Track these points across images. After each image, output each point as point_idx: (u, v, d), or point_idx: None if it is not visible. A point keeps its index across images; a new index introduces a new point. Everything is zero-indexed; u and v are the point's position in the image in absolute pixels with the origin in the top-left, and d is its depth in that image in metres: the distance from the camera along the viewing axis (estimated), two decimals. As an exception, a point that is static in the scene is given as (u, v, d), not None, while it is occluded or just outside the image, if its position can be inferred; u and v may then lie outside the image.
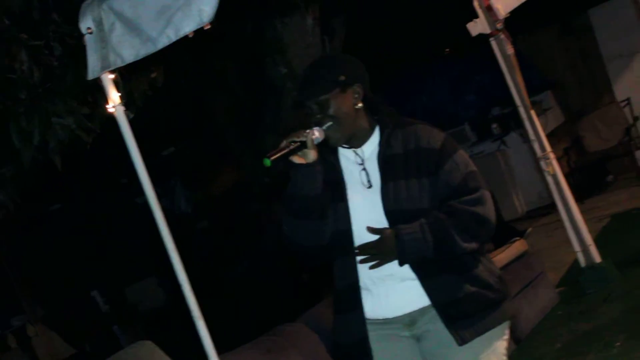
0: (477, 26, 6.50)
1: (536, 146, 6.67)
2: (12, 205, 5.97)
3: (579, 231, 6.69)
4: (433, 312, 3.08)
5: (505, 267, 6.56)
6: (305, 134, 2.98)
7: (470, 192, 3.07)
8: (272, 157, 2.91)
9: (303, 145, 2.97)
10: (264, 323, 5.78)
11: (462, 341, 3.03)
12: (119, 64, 3.95)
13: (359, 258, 3.09)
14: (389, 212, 3.05)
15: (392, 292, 3.12)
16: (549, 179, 6.68)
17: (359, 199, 3.13)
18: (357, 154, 3.17)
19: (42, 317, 11.20)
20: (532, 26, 11.06)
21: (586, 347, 5.56)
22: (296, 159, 3.00)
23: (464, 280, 3.08)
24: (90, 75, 4.09)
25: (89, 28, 3.95)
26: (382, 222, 3.06)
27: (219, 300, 9.66)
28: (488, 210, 3.11)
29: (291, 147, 2.96)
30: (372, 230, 3.03)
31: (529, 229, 9.82)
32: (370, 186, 3.12)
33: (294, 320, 5.54)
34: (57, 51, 5.47)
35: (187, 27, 3.64)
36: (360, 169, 3.15)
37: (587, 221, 7.19)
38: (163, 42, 3.74)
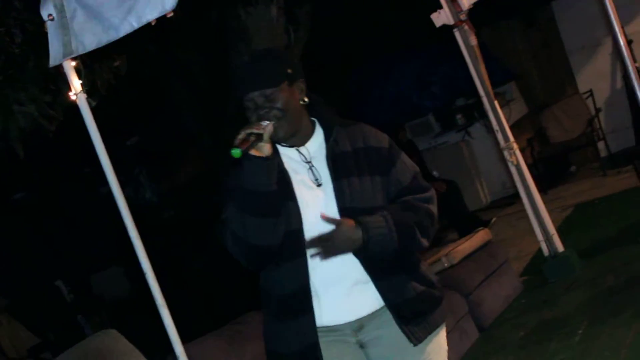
0: (441, 17, 6.52)
1: (499, 136, 6.71)
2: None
3: (542, 221, 6.75)
4: (383, 316, 3.01)
5: (469, 256, 6.62)
6: (262, 127, 2.82)
7: (422, 190, 3.06)
8: (243, 148, 2.75)
9: (259, 138, 2.81)
10: (229, 312, 5.78)
11: (417, 340, 2.99)
12: (81, 51, 3.93)
13: (311, 257, 2.92)
14: (343, 210, 2.94)
15: (342, 296, 2.99)
16: (513, 169, 6.73)
17: (308, 197, 2.98)
18: (301, 152, 3.05)
19: (5, 307, 11.10)
20: (495, 18, 11.10)
21: (549, 334, 5.62)
22: (253, 153, 2.81)
23: (413, 279, 3.04)
24: (52, 63, 4.06)
25: (50, 15, 3.92)
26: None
27: (183, 289, 9.63)
28: (436, 210, 3.09)
29: (252, 138, 2.79)
30: (328, 219, 2.88)
31: (493, 219, 9.91)
32: (319, 184, 3.00)
33: (259, 309, 5.54)
34: (18, 38, 5.40)
35: (150, 15, 3.62)
36: (308, 167, 3.02)
37: (551, 211, 7.27)
38: (125, 29, 3.72)
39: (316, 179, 3.01)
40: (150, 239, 4.90)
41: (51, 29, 3.96)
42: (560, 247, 6.76)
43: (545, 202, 6.94)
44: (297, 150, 3.06)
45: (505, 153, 6.69)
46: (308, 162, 3.04)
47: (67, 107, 5.33)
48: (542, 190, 8.09)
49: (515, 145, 6.69)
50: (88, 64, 5.13)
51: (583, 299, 6.04)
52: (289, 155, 3.06)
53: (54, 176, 12.17)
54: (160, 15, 3.61)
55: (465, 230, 8.10)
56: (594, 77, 11.32)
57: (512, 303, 6.66)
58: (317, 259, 2.90)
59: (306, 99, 3.03)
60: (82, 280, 12.64)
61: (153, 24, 3.68)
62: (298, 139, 3.05)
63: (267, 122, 2.86)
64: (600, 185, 9.71)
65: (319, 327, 2.99)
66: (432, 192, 3.09)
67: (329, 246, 2.87)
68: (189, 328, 4.88)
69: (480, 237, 6.90)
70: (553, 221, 6.92)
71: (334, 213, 2.94)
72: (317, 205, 2.97)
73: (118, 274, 12.57)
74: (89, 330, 10.95)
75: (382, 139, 3.09)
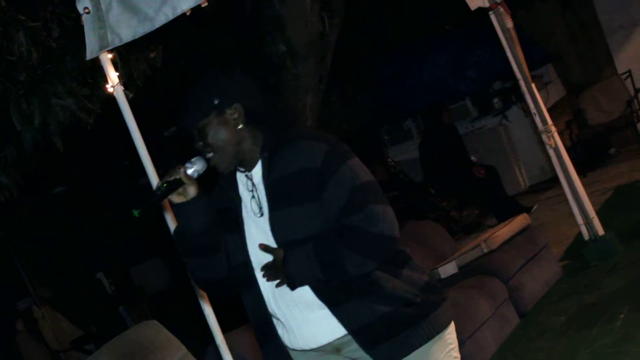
0: (476, 0, 6.47)
1: (537, 120, 6.66)
2: (15, 188, 5.97)
3: (581, 204, 6.69)
4: (353, 342, 2.84)
5: (508, 242, 6.58)
6: (177, 171, 2.80)
7: (358, 209, 2.75)
8: (141, 209, 2.77)
9: (178, 182, 2.79)
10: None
11: None
12: (117, 43, 3.95)
13: (263, 287, 2.89)
14: (280, 244, 2.80)
15: (303, 323, 2.87)
16: (551, 153, 6.68)
17: (253, 228, 2.89)
18: (248, 178, 2.92)
19: (48, 300, 11.24)
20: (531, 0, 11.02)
21: (591, 319, 5.57)
22: (175, 198, 2.82)
23: (375, 301, 2.79)
24: (89, 56, 4.09)
25: (86, 8, 3.95)
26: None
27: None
28: (382, 225, 2.76)
29: (164, 189, 2.79)
30: (264, 248, 2.82)
31: (535, 206, 9.81)
32: (262, 215, 2.87)
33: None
34: (56, 32, 5.45)
35: (185, 5, 3.64)
36: (250, 196, 2.90)
37: (590, 194, 7.19)
38: (161, 20, 3.74)
39: (259, 208, 2.88)
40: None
41: (87, 22, 3.99)
42: (600, 231, 6.69)
43: (584, 185, 6.88)
44: (246, 175, 2.93)
45: (544, 136, 6.63)
46: (251, 191, 2.91)
47: (105, 100, 5.37)
48: (581, 173, 8.01)
49: (553, 129, 6.63)
50: (124, 56, 5.17)
51: (624, 283, 5.98)
52: (242, 181, 2.95)
53: (93, 169, 12.28)
54: (195, 5, 3.63)
55: (505, 216, 8.05)
56: (632, 58, 11.19)
57: (552, 288, 6.60)
58: (269, 288, 2.87)
59: (241, 125, 2.85)
60: (123, 272, 12.76)
61: (188, 14, 3.69)
62: (247, 164, 2.91)
63: (197, 159, 2.85)
64: (641, 168, 9.61)
65: (295, 350, 2.94)
66: (368, 209, 2.75)
67: (271, 274, 2.82)
68: (228, 318, 4.91)
69: (519, 221, 6.85)
70: (593, 204, 6.85)
71: (274, 245, 2.83)
72: (259, 236, 2.87)
73: (158, 265, 12.67)
74: (130, 322, 11.05)
75: (315, 157, 2.79)
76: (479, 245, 6.49)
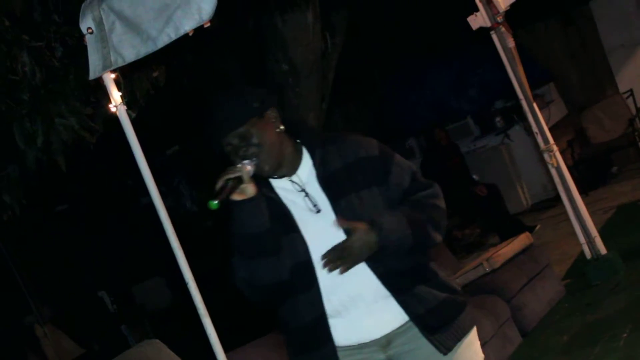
0: (478, 19, 6.51)
1: (539, 139, 6.67)
2: (17, 207, 5.97)
3: (584, 223, 6.69)
4: (409, 331, 2.95)
5: (510, 261, 6.57)
6: (238, 169, 2.80)
7: (425, 186, 3.00)
8: (219, 199, 2.75)
9: (239, 181, 2.79)
10: (271, 320, 5.79)
11: (446, 349, 2.94)
12: (120, 63, 3.97)
13: (323, 286, 2.91)
14: (347, 231, 2.85)
15: (366, 315, 2.94)
16: (553, 172, 6.69)
17: (311, 227, 2.93)
18: (293, 181, 2.98)
19: (50, 318, 11.22)
20: (533, 19, 11.05)
21: (593, 338, 5.56)
22: (237, 197, 2.81)
23: (433, 288, 2.97)
24: (92, 75, 4.10)
25: (89, 28, 3.96)
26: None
27: (225, 298, 9.66)
28: (443, 203, 3.02)
29: (230, 184, 2.78)
30: (343, 224, 2.85)
31: (538, 226, 9.81)
32: (318, 211, 2.93)
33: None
34: (59, 52, 5.47)
35: (187, 26, 3.65)
36: (303, 195, 2.96)
37: (593, 213, 7.20)
38: (163, 40, 3.76)
39: (314, 205, 2.94)
40: (191, 248, 4.93)
41: (90, 42, 4.00)
42: (602, 250, 6.69)
43: (586, 204, 6.89)
44: (289, 179, 2.99)
45: (545, 155, 6.65)
46: (302, 190, 2.97)
47: (108, 119, 5.38)
48: (583, 192, 8.02)
49: (555, 147, 6.65)
50: (127, 75, 5.18)
51: (627, 302, 5.97)
52: (282, 187, 3.00)
53: (95, 188, 12.29)
54: (198, 25, 3.64)
55: (507, 235, 8.05)
56: (634, 77, 11.23)
57: (554, 307, 6.60)
58: (330, 283, 2.90)
59: (282, 127, 2.95)
60: (125, 291, 12.74)
61: (191, 34, 3.71)
62: (287, 169, 2.98)
63: (246, 161, 2.85)
64: (643, 186, 9.62)
65: (345, 347, 2.97)
66: (435, 188, 3.03)
67: (346, 256, 2.83)
68: (231, 337, 4.90)
69: (521, 240, 6.85)
70: (595, 223, 6.86)
71: (339, 236, 2.86)
72: (320, 233, 2.91)
73: (160, 284, 12.66)
74: (132, 341, 11.02)
75: (371, 147, 2.99)
76: (481, 264, 6.49)
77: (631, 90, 11.07)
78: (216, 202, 2.74)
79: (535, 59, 11.38)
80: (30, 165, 5.55)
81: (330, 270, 2.85)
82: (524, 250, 6.78)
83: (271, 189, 2.98)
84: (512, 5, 6.45)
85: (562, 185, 6.68)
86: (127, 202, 12.59)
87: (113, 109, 4.33)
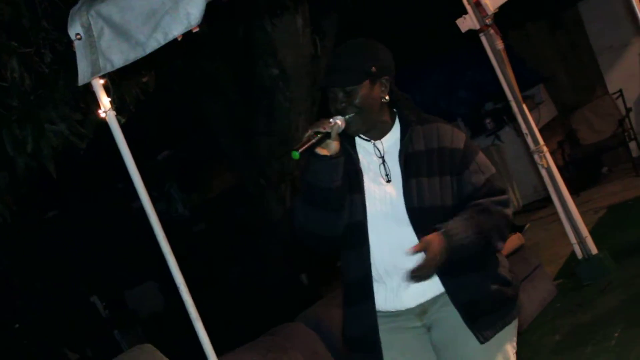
0: (467, 22, 6.51)
1: (529, 140, 6.69)
2: (8, 213, 5.96)
3: (574, 223, 6.71)
4: (444, 299, 3.06)
5: (501, 262, 6.58)
6: (330, 125, 2.92)
7: (497, 192, 3.07)
8: (301, 150, 2.84)
9: (327, 136, 2.90)
10: (263, 324, 5.79)
11: (484, 339, 3.03)
12: (109, 69, 3.96)
13: (373, 246, 3.05)
14: (410, 209, 3.01)
15: (404, 285, 3.07)
16: (543, 173, 6.70)
17: (376, 191, 3.07)
18: (376, 147, 3.12)
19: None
20: (522, 21, 11.07)
21: (585, 338, 5.57)
22: (320, 151, 2.92)
23: (485, 278, 3.07)
24: (81, 81, 4.09)
25: (77, 34, 3.96)
26: (399, 216, 3.03)
27: (217, 302, 9.66)
28: (511, 211, 3.11)
29: (317, 137, 2.88)
30: (419, 247, 2.90)
31: (527, 225, 9.84)
32: (389, 180, 3.08)
33: (293, 320, 5.55)
34: (48, 58, 5.47)
35: (176, 31, 3.65)
36: (380, 162, 3.10)
37: (583, 213, 7.21)
38: (152, 46, 3.75)
39: (387, 175, 3.08)
40: (182, 252, 4.93)
41: (79, 48, 3.99)
42: (593, 250, 6.71)
43: (577, 205, 6.90)
44: (374, 143, 3.12)
45: (536, 156, 6.66)
46: (381, 157, 3.11)
47: (98, 124, 5.38)
48: (574, 192, 8.03)
49: (545, 149, 6.66)
50: (116, 81, 5.18)
51: (618, 302, 5.98)
52: (365, 147, 3.14)
53: (87, 193, 12.27)
54: (186, 30, 3.64)
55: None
56: (623, 77, 11.24)
57: (546, 307, 6.61)
58: (380, 252, 3.05)
59: (387, 97, 3.07)
60: (117, 296, 12.73)
61: (179, 39, 3.71)
62: (375, 134, 3.12)
63: (339, 118, 2.96)
64: (633, 186, 9.61)
65: (382, 312, 3.11)
66: (508, 195, 3.11)
67: (426, 272, 2.92)
68: (223, 340, 4.90)
69: (512, 241, 6.85)
70: (586, 223, 6.87)
71: (401, 210, 3.01)
72: (382, 200, 3.06)
73: (152, 288, 12.65)
74: (124, 345, 11.01)
75: (457, 140, 3.09)
76: (472, 265, 6.48)
77: (620, 90, 11.09)
78: (299, 152, 2.84)
79: (525, 61, 11.39)
80: (20, 171, 5.54)
81: (412, 281, 3.01)
82: (515, 251, 6.78)
83: (354, 145, 3.13)
84: (500, 7, 6.46)
85: (553, 185, 6.69)
86: (118, 207, 12.58)
87: (102, 115, 4.32)
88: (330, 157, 2.93)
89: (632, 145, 10.93)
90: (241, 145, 8.84)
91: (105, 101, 4.31)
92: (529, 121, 6.68)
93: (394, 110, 3.15)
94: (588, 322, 5.88)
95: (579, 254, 6.77)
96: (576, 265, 6.84)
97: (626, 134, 10.80)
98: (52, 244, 12.38)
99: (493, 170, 3.12)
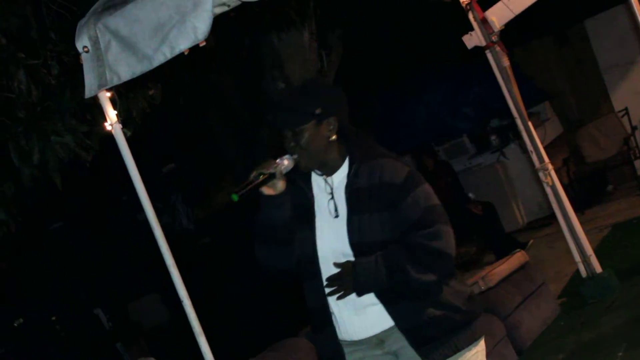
0: (473, 39, 6.53)
1: (534, 157, 6.69)
2: (13, 224, 5.97)
3: (579, 241, 6.70)
4: (398, 332, 3.16)
5: (506, 279, 6.57)
6: (274, 166, 3.09)
7: (427, 225, 3.10)
8: (240, 193, 3.00)
9: (272, 176, 3.08)
10: (266, 338, 5.79)
11: None
12: (116, 82, 3.97)
13: (325, 285, 3.18)
14: (353, 244, 3.13)
15: (355, 316, 3.20)
16: (548, 190, 6.70)
17: (325, 227, 3.20)
18: (327, 182, 3.23)
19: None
20: (528, 38, 11.08)
21: (589, 357, 5.57)
22: (265, 190, 3.11)
23: (427, 305, 3.13)
24: (87, 94, 4.10)
25: (85, 47, 3.97)
26: (345, 251, 3.15)
27: (221, 316, 9.65)
28: (445, 243, 3.12)
29: (260, 179, 3.05)
30: (336, 265, 3.12)
31: (531, 241, 9.82)
32: (337, 216, 3.18)
33: (296, 335, 5.55)
34: (55, 70, 5.48)
35: (182, 45, 3.65)
36: (329, 198, 3.21)
37: (588, 231, 7.20)
38: (159, 59, 3.76)
39: (335, 210, 3.19)
40: (187, 265, 4.93)
41: (86, 60, 4.01)
42: (598, 268, 6.69)
43: (582, 223, 6.89)
44: (325, 179, 3.24)
45: (540, 174, 6.66)
46: (330, 193, 3.22)
47: (104, 137, 5.39)
48: (578, 210, 8.02)
49: (550, 166, 6.66)
50: (123, 93, 5.19)
51: (622, 321, 5.97)
52: (318, 183, 3.27)
53: (91, 205, 12.28)
54: (193, 44, 3.65)
55: (502, 253, 8.04)
56: (629, 95, 11.24)
57: (550, 325, 6.60)
58: (330, 295, 3.18)
59: (334, 137, 3.17)
60: (121, 308, 12.71)
61: (186, 53, 3.72)
62: (327, 169, 3.23)
63: (286, 157, 3.12)
64: (638, 205, 9.59)
65: (342, 341, 3.24)
66: (437, 227, 3.11)
67: (338, 286, 3.13)
68: (227, 355, 4.90)
69: (516, 259, 6.85)
70: (590, 242, 6.86)
71: (344, 244, 3.14)
72: (330, 235, 3.19)
73: (156, 301, 12.63)
74: (127, 358, 10.99)
75: (397, 175, 3.14)
76: (476, 282, 6.48)
77: (626, 108, 11.09)
78: (238, 194, 3.00)
79: (531, 78, 11.39)
80: (25, 182, 5.55)
81: (330, 294, 3.15)
82: (520, 269, 6.79)
83: (308, 179, 3.27)
84: (507, 24, 6.47)
85: (557, 203, 6.69)
86: (123, 219, 12.58)
87: (108, 128, 4.33)
88: (276, 196, 3.12)
89: (638, 163, 10.91)
90: (247, 159, 8.84)
91: (111, 114, 4.32)
92: (534, 138, 6.68)
93: (345, 147, 3.25)
94: (592, 341, 5.87)
95: (583, 272, 6.76)
96: (580, 284, 6.83)
97: (631, 152, 10.78)
98: (56, 256, 12.38)
99: (432, 202, 3.15)
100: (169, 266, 4.35)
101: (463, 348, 3.14)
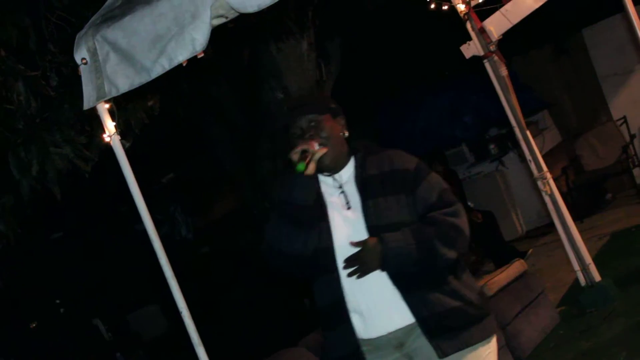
0: (471, 48, 6.54)
1: (532, 166, 6.69)
2: (12, 235, 5.97)
3: (578, 250, 6.70)
4: (418, 330, 3.17)
5: (505, 288, 6.57)
6: (314, 145, 3.20)
7: (447, 205, 3.23)
8: (306, 162, 3.14)
9: (313, 155, 3.19)
10: (265, 348, 5.79)
11: (443, 354, 3.13)
12: (114, 93, 3.98)
13: (342, 273, 3.19)
14: (371, 228, 3.19)
15: (375, 310, 3.21)
16: (547, 199, 6.70)
17: (339, 219, 3.28)
18: (335, 179, 3.36)
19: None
20: (526, 47, 11.11)
21: (588, 366, 5.56)
22: (311, 167, 3.19)
23: (444, 295, 3.17)
24: (86, 106, 4.11)
25: (83, 59, 3.98)
26: (361, 239, 3.18)
27: (220, 326, 9.64)
28: (464, 222, 3.25)
29: (306, 155, 3.17)
30: (354, 243, 3.15)
31: (530, 251, 9.82)
32: (349, 207, 3.28)
33: (295, 345, 5.55)
34: (54, 81, 5.50)
35: (181, 56, 3.67)
36: (339, 192, 3.32)
37: (587, 240, 7.20)
38: (157, 71, 3.78)
39: (347, 202, 3.29)
40: (186, 276, 4.93)
41: (84, 72, 4.02)
42: (597, 277, 6.69)
43: (581, 231, 6.89)
44: (333, 177, 3.36)
45: (539, 183, 6.66)
46: (339, 187, 3.33)
47: (102, 148, 5.40)
48: (577, 219, 8.02)
49: (548, 175, 6.66)
50: (122, 104, 5.20)
51: (621, 329, 5.97)
52: (324, 181, 3.38)
53: (91, 216, 12.28)
54: (191, 56, 3.67)
55: (502, 261, 8.04)
56: (627, 104, 11.27)
57: (549, 334, 6.60)
58: (349, 276, 3.18)
59: (346, 133, 3.37)
60: (120, 319, 12.71)
61: (184, 64, 3.73)
62: (336, 167, 3.35)
63: (317, 144, 3.20)
64: (637, 213, 9.59)
65: (361, 340, 3.24)
66: (457, 206, 3.26)
67: (359, 265, 3.14)
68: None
69: (516, 268, 6.86)
70: (589, 250, 6.86)
71: (363, 231, 3.21)
72: (345, 226, 3.26)
73: (155, 311, 12.63)
74: (127, 369, 10.98)
75: (408, 163, 3.32)
76: (475, 291, 6.47)
77: (624, 117, 11.11)
78: (304, 164, 3.14)
79: (529, 87, 11.41)
80: (25, 194, 5.56)
81: (350, 275, 3.16)
82: (519, 278, 6.78)
83: (317, 180, 3.34)
84: (505, 34, 6.49)
85: (556, 212, 6.69)
86: (122, 230, 12.58)
87: (107, 139, 4.34)
88: (309, 176, 3.19)
89: (636, 171, 10.93)
90: (245, 169, 8.85)
91: (110, 125, 4.33)
92: (532, 147, 6.69)
93: (350, 146, 3.42)
94: (591, 350, 5.86)
95: (582, 281, 6.76)
96: (579, 293, 6.82)
97: (630, 160, 10.80)
98: (55, 267, 12.38)
99: (445, 185, 3.31)
100: (168, 277, 4.36)
101: (476, 342, 3.18)
